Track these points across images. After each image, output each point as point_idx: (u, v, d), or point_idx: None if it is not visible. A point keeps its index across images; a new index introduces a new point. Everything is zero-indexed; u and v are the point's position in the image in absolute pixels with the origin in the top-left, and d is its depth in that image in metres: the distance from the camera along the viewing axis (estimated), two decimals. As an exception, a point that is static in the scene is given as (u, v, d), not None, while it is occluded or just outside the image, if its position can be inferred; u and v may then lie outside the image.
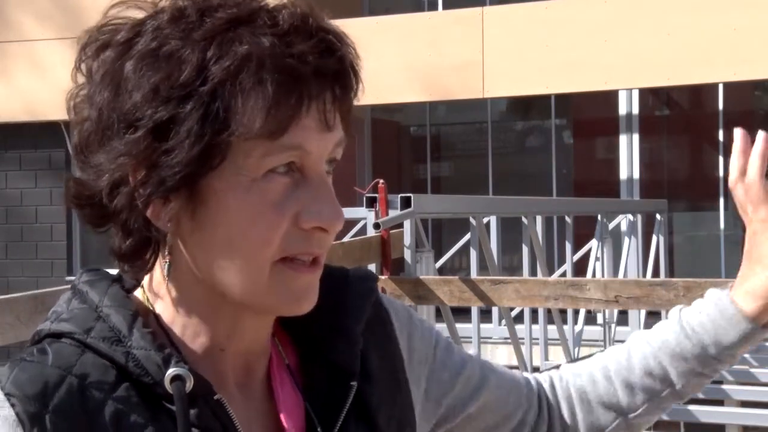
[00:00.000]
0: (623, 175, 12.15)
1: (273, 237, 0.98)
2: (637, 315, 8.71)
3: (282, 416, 1.06)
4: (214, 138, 0.96)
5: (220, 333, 1.03)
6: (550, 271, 8.79)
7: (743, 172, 1.25)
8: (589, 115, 13.68)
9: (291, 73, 0.96)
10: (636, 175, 12.13)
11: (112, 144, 0.98)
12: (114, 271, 1.08)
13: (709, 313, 1.25)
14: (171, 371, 0.97)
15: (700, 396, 6.24)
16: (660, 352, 1.27)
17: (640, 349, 1.28)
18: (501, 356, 9.52)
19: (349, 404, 1.06)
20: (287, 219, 0.99)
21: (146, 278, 1.06)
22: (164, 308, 1.04)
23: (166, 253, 1.01)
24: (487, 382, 1.25)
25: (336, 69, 1.00)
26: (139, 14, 1.02)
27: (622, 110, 12.22)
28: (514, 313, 7.39)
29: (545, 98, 12.63)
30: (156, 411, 0.98)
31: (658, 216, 9.22)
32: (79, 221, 1.07)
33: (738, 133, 1.21)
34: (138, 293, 1.06)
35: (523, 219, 7.37)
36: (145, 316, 1.03)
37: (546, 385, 1.32)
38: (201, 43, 0.96)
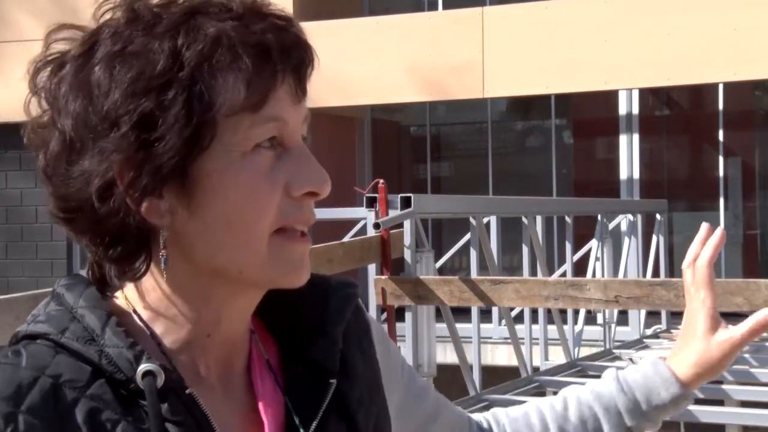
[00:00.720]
0: (623, 175, 12.15)
1: (269, 208, 1.03)
2: (637, 315, 8.71)
3: (261, 410, 1.09)
4: (201, 118, 1.00)
5: (209, 318, 1.06)
6: (550, 271, 8.79)
7: (695, 259, 1.35)
8: (589, 115, 13.68)
9: (261, 47, 1.02)
10: (636, 175, 12.13)
11: (98, 146, 1.00)
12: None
13: (645, 372, 1.35)
14: (142, 367, 1.00)
15: (700, 396, 6.24)
16: (595, 403, 1.35)
17: (576, 399, 1.36)
18: (501, 356, 9.52)
19: (328, 401, 1.09)
20: (279, 189, 1.04)
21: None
22: (149, 305, 1.06)
23: (161, 247, 1.03)
24: (440, 412, 1.30)
25: (295, 43, 1.05)
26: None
27: (622, 110, 12.22)
28: (514, 313, 7.39)
29: (545, 98, 12.63)
30: (130, 407, 1.00)
31: (658, 216, 9.22)
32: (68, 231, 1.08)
33: (704, 226, 1.31)
34: (118, 295, 1.09)
35: (523, 219, 7.37)
36: (123, 316, 1.06)
37: (484, 426, 1.37)
38: (167, 33, 1.01)
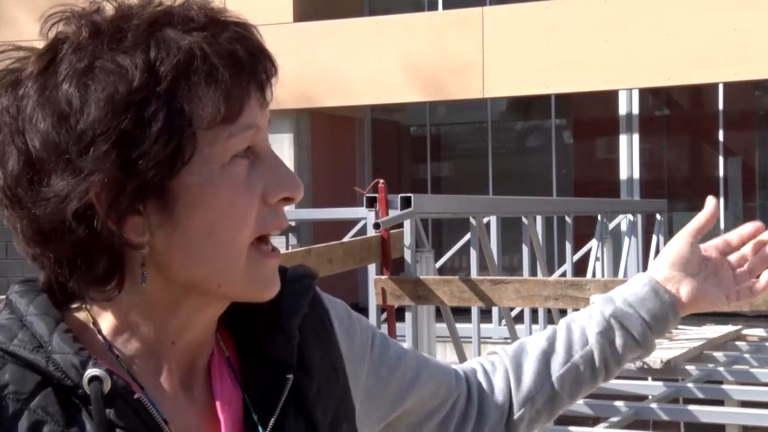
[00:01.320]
0: (623, 175, 12.15)
1: (249, 218, 1.03)
2: (637, 315, 8.70)
3: (218, 408, 1.09)
4: (182, 132, 0.99)
5: (175, 327, 1.06)
6: (550, 271, 8.79)
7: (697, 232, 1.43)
8: (589, 115, 13.68)
9: (234, 57, 1.02)
10: (636, 175, 12.13)
11: (72, 167, 0.98)
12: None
13: (623, 284, 1.42)
14: (88, 372, 0.99)
15: (700, 396, 6.24)
16: (579, 317, 1.40)
17: (565, 324, 1.41)
18: (501, 356, 9.52)
19: (285, 396, 1.09)
20: (257, 198, 1.04)
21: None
22: (112, 315, 1.05)
23: (140, 264, 1.02)
24: (420, 375, 1.30)
25: (260, 50, 1.05)
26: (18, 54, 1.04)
27: (622, 110, 12.22)
28: (514, 313, 7.39)
29: (545, 98, 12.64)
30: (75, 415, 1.00)
31: (658, 216, 9.22)
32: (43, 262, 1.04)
33: (710, 201, 1.45)
34: (77, 308, 1.07)
35: (523, 219, 7.37)
36: (80, 327, 1.05)
37: (479, 370, 1.38)
38: (137, 48, 0.99)
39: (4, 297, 1.09)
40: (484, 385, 1.36)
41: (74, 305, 1.06)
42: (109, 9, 1.03)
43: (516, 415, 1.36)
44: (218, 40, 1.01)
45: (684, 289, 1.39)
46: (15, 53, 1.03)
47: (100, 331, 1.05)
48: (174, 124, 0.98)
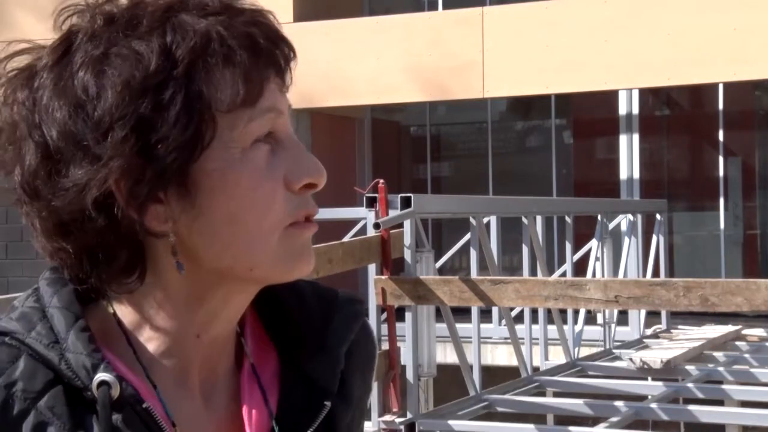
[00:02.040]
0: (623, 175, 12.15)
1: (273, 203, 1.01)
2: (637, 315, 8.72)
3: (246, 422, 1.06)
4: (202, 116, 0.98)
5: (202, 318, 1.04)
6: (550, 271, 8.79)
7: None
8: (589, 115, 13.68)
9: (251, 40, 1.01)
10: (636, 175, 12.13)
11: (90, 154, 0.97)
12: None
13: None
14: (98, 377, 0.98)
15: (700, 396, 6.24)
16: None
17: None
18: (501, 356, 9.53)
19: (319, 422, 1.07)
20: (280, 183, 1.01)
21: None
22: (135, 310, 1.03)
23: (172, 254, 1.00)
24: None
25: (277, 36, 1.04)
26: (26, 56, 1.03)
27: (622, 110, 12.22)
28: (514, 313, 7.39)
29: (545, 98, 12.64)
30: (83, 417, 0.98)
31: (658, 216, 9.22)
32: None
33: None
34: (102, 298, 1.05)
35: (523, 219, 7.37)
36: (101, 321, 1.03)
37: None
38: (153, 32, 0.98)
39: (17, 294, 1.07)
40: None
41: (99, 299, 1.05)
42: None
43: None
44: (234, 23, 1.00)
45: None
46: (31, 53, 1.02)
47: (122, 327, 1.03)
48: (192, 107, 0.97)
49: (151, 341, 1.03)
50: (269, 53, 1.02)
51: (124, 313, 1.04)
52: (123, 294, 1.03)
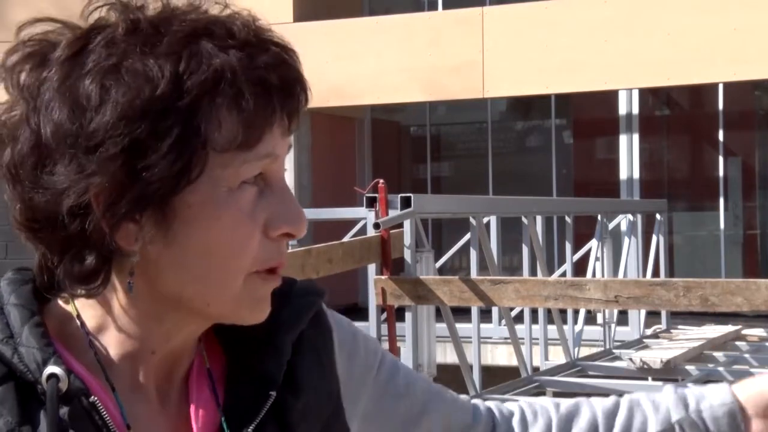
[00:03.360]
0: (623, 175, 12.15)
1: (248, 247, 1.00)
2: (636, 315, 8.72)
3: (192, 419, 1.07)
4: (194, 152, 0.96)
5: (157, 338, 1.05)
6: (550, 271, 8.79)
7: None
8: (589, 115, 13.68)
9: (263, 85, 0.99)
10: (636, 175, 12.13)
11: (77, 163, 0.96)
12: None
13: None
14: (47, 369, 0.98)
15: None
16: (644, 400, 1.29)
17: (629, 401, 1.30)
18: (501, 356, 9.53)
19: (264, 413, 1.07)
20: (259, 228, 1.01)
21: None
22: (97, 315, 1.04)
23: (129, 274, 1.00)
24: (428, 408, 1.24)
25: (296, 79, 1.03)
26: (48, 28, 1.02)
27: (622, 110, 12.22)
28: (514, 313, 7.40)
29: (545, 98, 12.64)
30: (32, 412, 0.99)
31: (658, 216, 9.22)
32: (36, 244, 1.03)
33: None
34: (65, 297, 1.06)
35: (523, 219, 7.37)
36: (63, 320, 1.04)
37: (517, 415, 1.30)
38: (169, 56, 0.96)
39: None
40: (518, 429, 1.29)
41: (63, 295, 1.05)
42: (154, 7, 1.00)
43: None
44: (254, 62, 0.98)
45: (762, 427, 1.23)
46: (50, 25, 1.01)
47: (83, 325, 1.04)
48: (187, 141, 0.96)
49: (110, 347, 1.04)
50: (281, 99, 1.00)
51: (88, 316, 1.04)
52: (86, 297, 1.03)
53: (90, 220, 0.97)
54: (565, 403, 1.31)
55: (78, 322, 1.04)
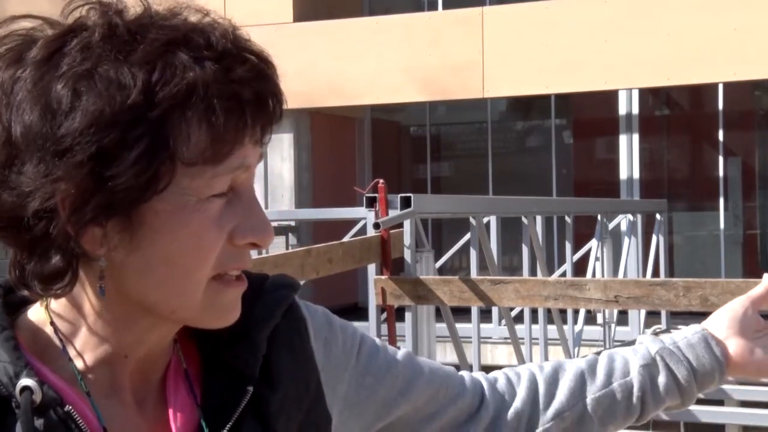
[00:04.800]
0: (623, 175, 12.15)
1: (212, 255, 1.01)
2: (637, 315, 8.72)
3: (171, 418, 1.07)
4: (162, 164, 0.96)
5: (129, 341, 1.05)
6: (550, 271, 8.80)
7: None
8: (589, 115, 13.68)
9: (236, 100, 0.98)
10: (636, 175, 12.13)
11: (44, 166, 0.95)
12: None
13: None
14: (20, 382, 0.98)
15: (701, 396, 6.24)
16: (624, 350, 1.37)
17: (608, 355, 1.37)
18: (501, 356, 9.53)
19: (242, 408, 1.07)
20: (224, 237, 1.01)
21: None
22: (70, 319, 1.04)
23: (98, 278, 1.01)
24: (413, 383, 1.26)
25: (272, 92, 1.02)
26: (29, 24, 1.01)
27: (622, 110, 12.22)
28: (514, 313, 7.40)
29: (545, 98, 12.64)
30: (9, 425, 0.99)
31: (658, 216, 9.22)
32: None
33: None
34: (37, 306, 1.06)
35: (523, 219, 7.37)
36: (35, 329, 1.04)
37: (501, 378, 1.34)
38: (143, 66, 0.96)
39: None
40: (505, 391, 1.32)
41: (35, 303, 1.05)
42: (135, 11, 1.00)
43: (541, 428, 1.31)
44: (229, 76, 0.98)
45: (735, 346, 1.36)
46: (28, 22, 1.01)
47: (57, 330, 1.04)
48: (155, 153, 0.95)
49: (84, 352, 1.04)
50: (253, 113, 1.00)
51: (61, 322, 1.04)
52: (55, 299, 1.03)
53: (55, 225, 0.97)
54: (548, 363, 1.36)
55: (51, 329, 1.04)
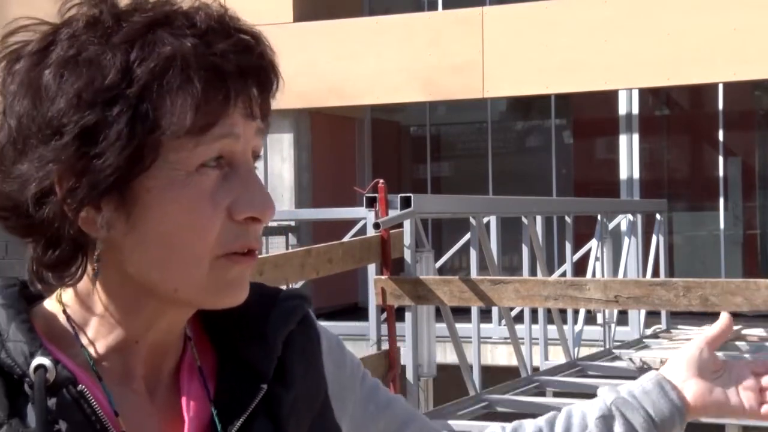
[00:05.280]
0: (623, 175, 12.15)
1: (210, 230, 1.01)
2: (636, 315, 8.72)
3: (183, 408, 1.08)
4: (144, 139, 0.98)
5: (138, 326, 1.06)
6: (550, 271, 8.80)
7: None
8: (589, 115, 13.68)
9: (216, 71, 0.99)
10: (636, 175, 12.13)
11: (38, 152, 0.99)
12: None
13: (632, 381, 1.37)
14: (35, 361, 1.00)
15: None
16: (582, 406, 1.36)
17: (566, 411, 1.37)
18: (501, 356, 9.53)
19: (255, 405, 1.09)
20: (222, 210, 1.01)
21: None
22: (81, 308, 1.06)
23: (95, 259, 1.02)
24: (410, 425, 1.28)
25: (257, 65, 1.03)
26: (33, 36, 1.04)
27: (622, 110, 12.23)
28: (514, 313, 7.40)
29: (545, 98, 12.64)
30: (21, 405, 1.00)
31: (658, 216, 9.22)
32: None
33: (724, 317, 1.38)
34: (51, 299, 1.08)
35: (523, 219, 7.37)
36: (48, 317, 1.06)
37: None
38: (122, 46, 0.98)
39: None
40: None
41: (49, 295, 1.07)
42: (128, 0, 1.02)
43: None
44: (211, 49, 0.99)
45: (694, 388, 1.33)
46: (39, 27, 1.03)
47: (69, 318, 1.05)
48: (136, 128, 0.97)
49: (97, 340, 1.06)
50: (237, 85, 1.00)
51: (74, 311, 1.06)
52: (67, 288, 1.05)
53: (52, 208, 0.99)
54: (509, 425, 1.36)
55: (64, 317, 1.06)
